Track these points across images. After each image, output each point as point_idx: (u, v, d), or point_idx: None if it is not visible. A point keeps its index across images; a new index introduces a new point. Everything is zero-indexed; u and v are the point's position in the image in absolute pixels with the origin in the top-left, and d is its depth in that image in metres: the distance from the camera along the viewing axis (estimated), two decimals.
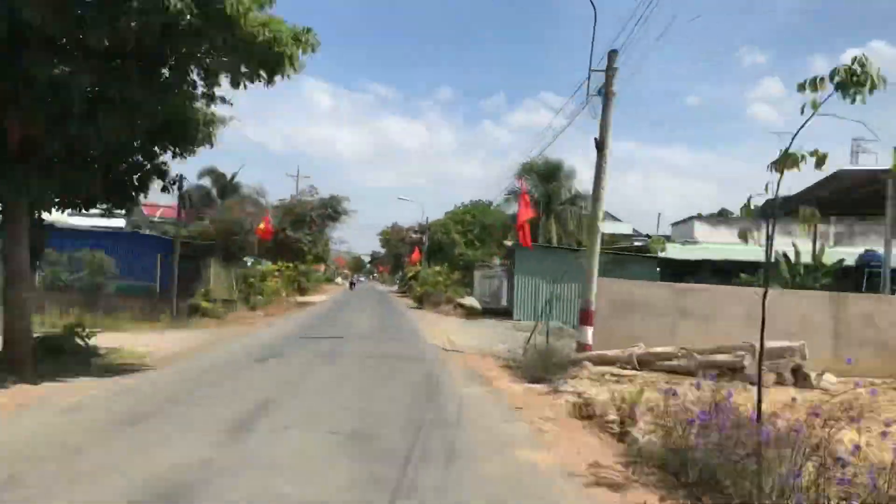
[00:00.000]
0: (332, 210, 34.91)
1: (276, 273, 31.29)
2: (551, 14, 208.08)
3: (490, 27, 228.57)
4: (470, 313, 30.84)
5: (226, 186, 40.53)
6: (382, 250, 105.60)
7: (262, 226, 26.81)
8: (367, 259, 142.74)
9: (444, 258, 50.93)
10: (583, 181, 43.31)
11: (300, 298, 36.75)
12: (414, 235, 69.24)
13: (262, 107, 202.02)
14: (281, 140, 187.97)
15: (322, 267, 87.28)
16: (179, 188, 20.66)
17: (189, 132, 10.42)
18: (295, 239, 33.19)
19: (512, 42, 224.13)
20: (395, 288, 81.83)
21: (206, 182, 41.13)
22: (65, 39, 8.69)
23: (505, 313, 29.69)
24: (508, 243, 29.26)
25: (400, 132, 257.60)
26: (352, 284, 51.71)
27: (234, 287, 27.09)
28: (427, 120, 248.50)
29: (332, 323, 23.56)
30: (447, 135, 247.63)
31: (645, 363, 11.74)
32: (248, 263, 36.84)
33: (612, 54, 13.89)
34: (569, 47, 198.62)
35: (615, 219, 46.11)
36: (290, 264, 42.21)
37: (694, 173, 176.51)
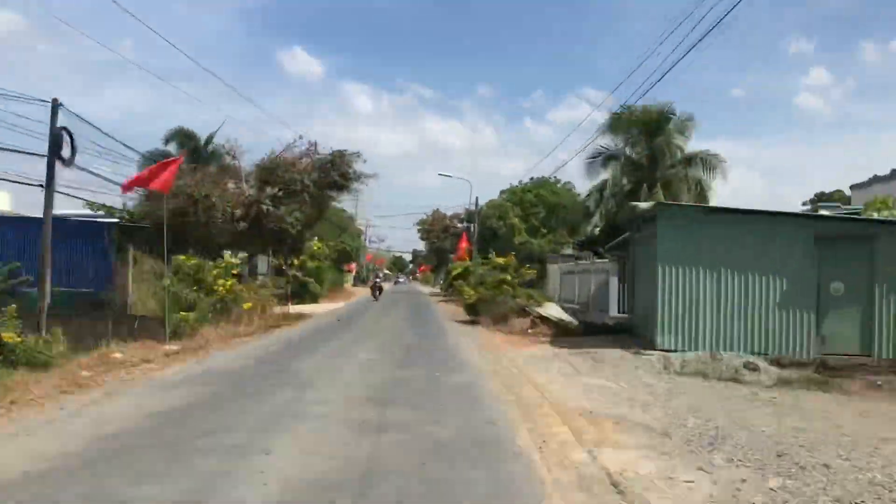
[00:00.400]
0: (337, 174, 22.46)
1: (235, 272, 19.22)
2: (583, 8, 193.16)
3: (523, 24, 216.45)
4: (562, 332, 18.35)
5: (198, 152, 29.20)
6: (423, 245, 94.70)
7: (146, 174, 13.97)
8: (409, 258, 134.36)
9: (498, 249, 38.05)
10: (705, 132, 30.55)
11: (293, 309, 24.75)
12: (459, 225, 56.80)
13: (302, 110, 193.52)
14: (321, 141, 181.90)
15: (353, 267, 75.59)
16: None
17: None
18: (276, 217, 21.11)
19: (547, 37, 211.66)
20: (439, 290, 69.55)
21: (172, 148, 29.84)
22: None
23: (622, 331, 17.26)
24: (645, 205, 16.40)
25: (440, 132, 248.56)
26: (377, 289, 38.13)
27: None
28: (467, 119, 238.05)
29: (277, 383, 9.82)
30: (489, 134, 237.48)
31: None
32: (226, 255, 25.12)
33: None
34: (605, 40, 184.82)
35: None
36: (287, 261, 30.38)
37: (737, 163, 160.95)
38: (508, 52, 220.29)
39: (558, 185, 42.66)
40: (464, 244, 40.93)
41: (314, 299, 33.25)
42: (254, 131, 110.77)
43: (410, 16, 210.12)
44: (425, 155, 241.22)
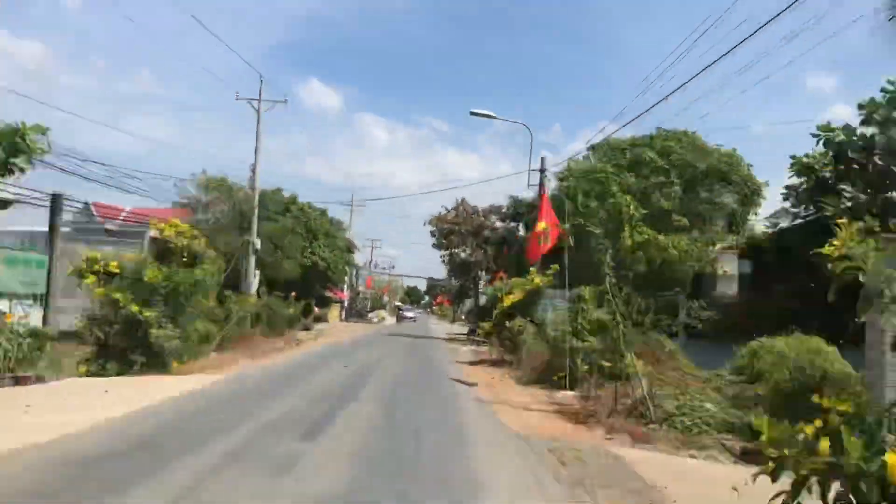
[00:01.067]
0: None
1: None
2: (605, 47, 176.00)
3: (542, 63, 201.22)
4: None
5: None
6: (438, 260, 76.83)
7: None
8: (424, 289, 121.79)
9: (585, 261, 16.80)
10: None
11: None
12: (500, 225, 35.86)
13: (319, 144, 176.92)
14: (339, 174, 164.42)
15: (340, 293, 54.83)
16: None
17: None
18: None
19: (564, 77, 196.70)
20: (463, 330, 47.52)
21: None
22: None
23: None
24: None
25: (456, 164, 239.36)
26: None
27: None
28: (483, 153, 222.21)
29: None
30: (505, 166, 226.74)
31: None
32: None
33: None
34: (625, 79, 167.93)
35: None
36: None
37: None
38: (523, 86, 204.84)
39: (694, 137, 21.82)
40: (552, 229, 17.35)
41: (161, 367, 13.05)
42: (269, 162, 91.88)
43: (422, 51, 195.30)
44: (443, 186, 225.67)
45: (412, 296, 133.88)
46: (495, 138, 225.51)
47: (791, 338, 10.27)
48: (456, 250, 40.56)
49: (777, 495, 2.79)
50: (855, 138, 15.55)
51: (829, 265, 5.89)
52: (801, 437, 2.80)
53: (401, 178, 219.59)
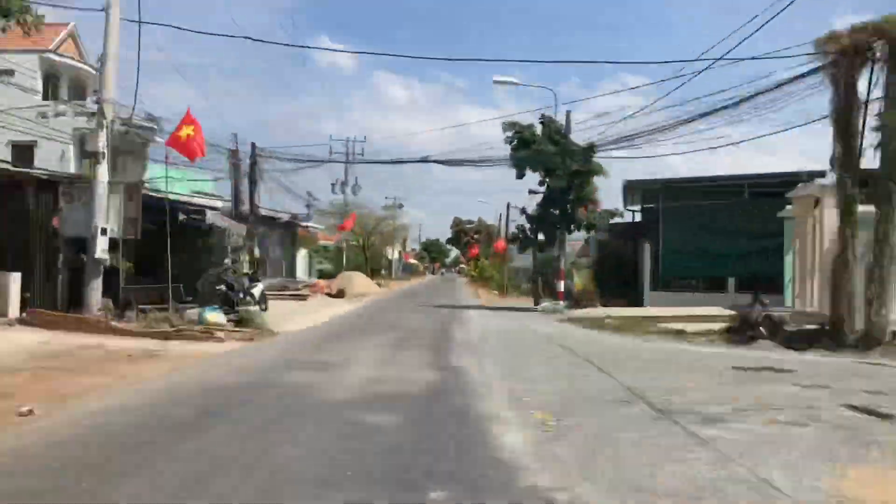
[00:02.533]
0: None
1: None
2: None
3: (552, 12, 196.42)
4: None
5: None
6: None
7: None
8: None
9: None
10: None
11: None
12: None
13: (337, 103, 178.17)
14: (356, 131, 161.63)
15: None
16: None
17: None
18: None
19: (578, 27, 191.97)
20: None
21: None
22: None
23: None
24: None
25: (477, 123, 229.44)
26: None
27: None
28: (503, 108, 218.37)
29: None
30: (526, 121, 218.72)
31: None
32: None
33: None
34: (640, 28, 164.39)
35: None
36: None
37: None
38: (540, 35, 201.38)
39: None
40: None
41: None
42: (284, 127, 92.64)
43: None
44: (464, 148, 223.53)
45: (431, 250, 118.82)
46: (514, 94, 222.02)
47: None
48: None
49: None
50: None
51: None
52: None
53: (420, 138, 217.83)
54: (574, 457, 5.03)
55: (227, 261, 20.29)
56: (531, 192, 27.42)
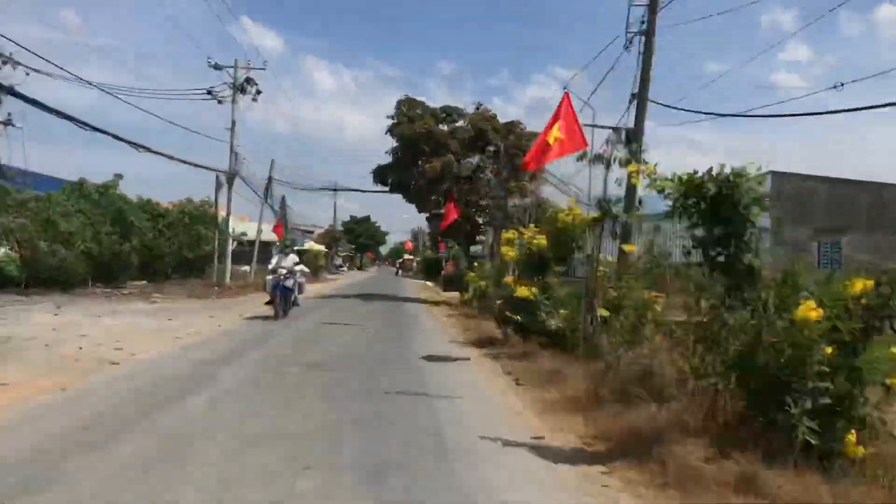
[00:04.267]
0: None
1: None
2: None
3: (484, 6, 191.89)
4: None
5: None
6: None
7: None
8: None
9: None
10: None
11: None
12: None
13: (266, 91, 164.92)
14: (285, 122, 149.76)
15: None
16: None
17: None
18: None
19: (508, 20, 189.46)
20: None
21: None
22: None
23: None
24: None
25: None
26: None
27: None
28: (434, 98, 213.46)
29: None
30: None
31: None
32: None
33: None
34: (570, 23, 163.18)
35: None
36: None
37: (718, 150, 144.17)
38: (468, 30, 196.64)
39: None
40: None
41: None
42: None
43: None
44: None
45: (358, 232, 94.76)
46: (443, 82, 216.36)
47: None
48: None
49: None
50: None
51: None
52: None
53: (354, 128, 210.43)
54: None
55: None
56: None
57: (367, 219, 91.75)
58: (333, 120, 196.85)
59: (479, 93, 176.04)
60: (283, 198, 34.57)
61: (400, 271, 70.69)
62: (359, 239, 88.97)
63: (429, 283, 44.54)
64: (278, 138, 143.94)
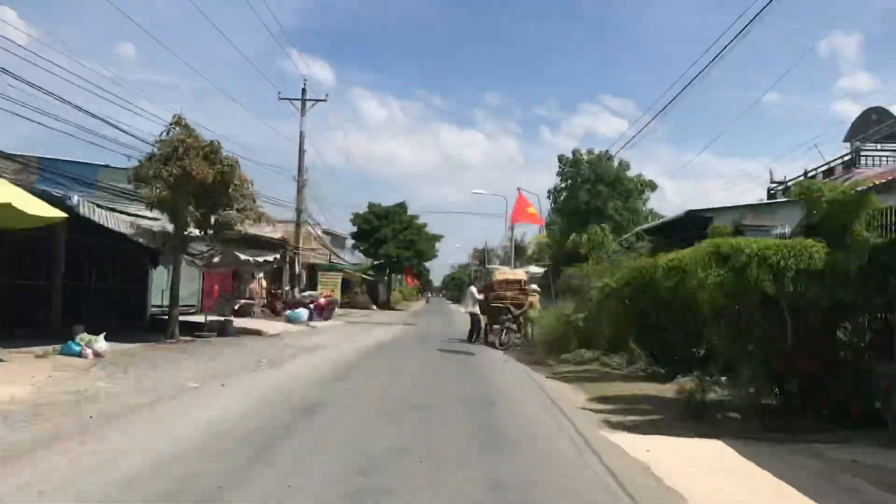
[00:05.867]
0: None
1: None
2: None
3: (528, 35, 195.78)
4: None
5: None
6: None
7: None
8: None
9: None
10: None
11: None
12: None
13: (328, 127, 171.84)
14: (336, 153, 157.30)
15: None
16: None
17: None
18: None
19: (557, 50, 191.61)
20: None
21: None
22: None
23: None
24: None
25: (459, 144, 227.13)
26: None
27: None
28: (485, 129, 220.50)
29: None
30: (508, 143, 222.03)
31: None
32: None
33: None
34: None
35: None
36: None
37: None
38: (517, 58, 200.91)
39: None
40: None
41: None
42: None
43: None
44: (445, 168, 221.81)
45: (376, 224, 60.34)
46: (490, 112, 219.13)
47: None
48: None
49: None
50: None
51: None
52: None
53: (403, 158, 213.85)
54: None
55: None
56: None
57: (403, 207, 49.63)
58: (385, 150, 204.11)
59: (527, 122, 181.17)
60: None
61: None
62: (382, 249, 47.54)
63: None
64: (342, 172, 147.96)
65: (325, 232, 45.71)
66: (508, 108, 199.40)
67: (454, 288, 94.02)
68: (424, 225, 52.87)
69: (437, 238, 55.83)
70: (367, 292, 50.00)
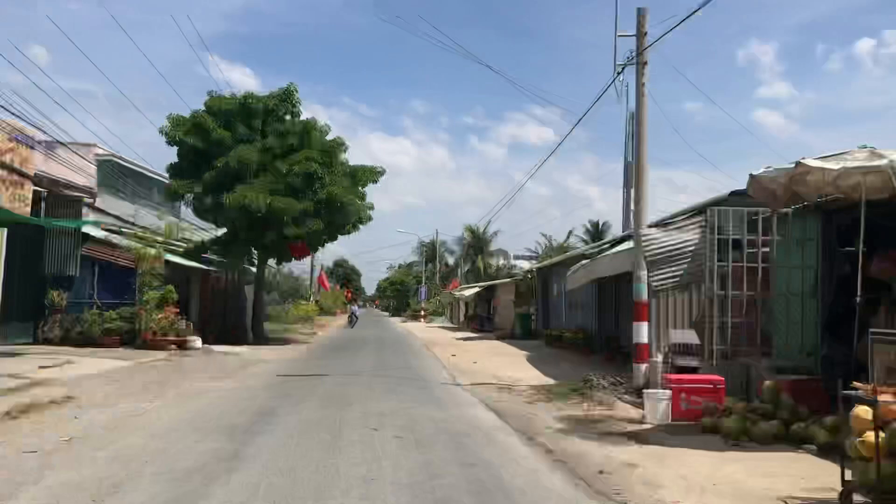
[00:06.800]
0: None
1: None
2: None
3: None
4: None
5: None
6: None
7: None
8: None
9: None
10: None
11: None
12: None
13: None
14: None
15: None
16: None
17: None
18: None
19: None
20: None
21: None
22: None
23: None
24: None
25: (384, 150, 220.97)
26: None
27: None
28: (411, 137, 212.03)
29: None
30: (438, 152, 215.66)
31: None
32: None
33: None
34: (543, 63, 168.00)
35: None
36: None
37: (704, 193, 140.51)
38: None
39: None
40: None
41: None
42: None
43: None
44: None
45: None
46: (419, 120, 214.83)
47: None
48: None
49: None
50: None
51: None
52: None
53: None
54: None
55: None
56: None
57: (290, 96, 23.29)
58: None
59: (454, 130, 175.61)
60: None
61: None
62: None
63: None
64: None
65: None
66: (436, 115, 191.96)
67: (394, 295, 75.93)
68: (343, 146, 23.92)
69: (372, 177, 24.57)
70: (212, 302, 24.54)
